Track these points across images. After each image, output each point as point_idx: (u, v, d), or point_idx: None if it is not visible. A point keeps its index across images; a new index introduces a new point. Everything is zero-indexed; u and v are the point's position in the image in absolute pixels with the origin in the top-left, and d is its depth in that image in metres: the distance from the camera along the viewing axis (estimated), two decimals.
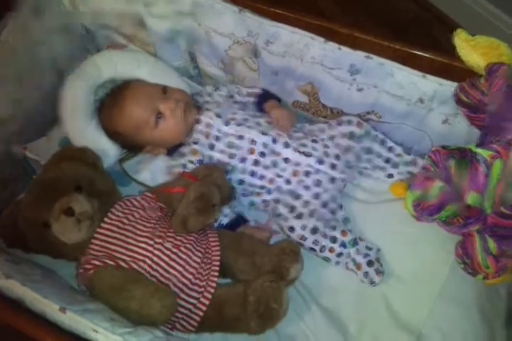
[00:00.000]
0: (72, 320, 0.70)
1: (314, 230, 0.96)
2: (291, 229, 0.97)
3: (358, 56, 0.95)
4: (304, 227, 0.96)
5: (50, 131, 1.16)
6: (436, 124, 1.00)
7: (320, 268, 1.00)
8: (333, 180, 1.03)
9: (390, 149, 1.08)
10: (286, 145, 1.03)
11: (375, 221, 1.04)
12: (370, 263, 0.97)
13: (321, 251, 0.97)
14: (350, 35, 0.96)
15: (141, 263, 0.86)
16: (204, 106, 1.11)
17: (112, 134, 1.07)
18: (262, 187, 1.04)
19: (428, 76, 0.93)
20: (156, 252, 0.87)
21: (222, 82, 1.20)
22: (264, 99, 1.13)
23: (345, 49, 0.96)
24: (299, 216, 0.97)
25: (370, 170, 1.10)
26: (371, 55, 0.95)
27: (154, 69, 1.14)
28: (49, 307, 0.71)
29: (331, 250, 0.97)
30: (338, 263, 0.99)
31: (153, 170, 1.12)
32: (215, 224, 1.02)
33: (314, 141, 1.06)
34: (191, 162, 1.05)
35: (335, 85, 1.03)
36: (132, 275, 0.84)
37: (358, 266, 0.97)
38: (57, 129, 1.14)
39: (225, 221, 1.02)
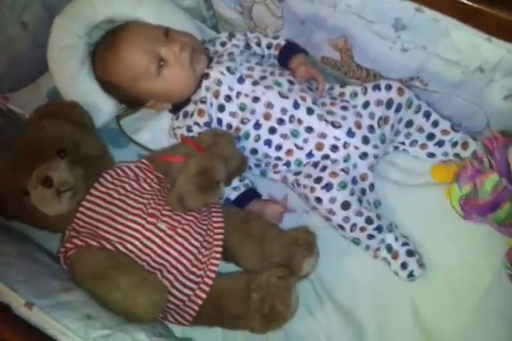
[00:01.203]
0: (38, 318, 0.59)
1: (345, 205, 0.81)
2: (318, 200, 0.81)
3: (406, 8, 0.76)
4: (333, 200, 0.80)
5: (39, 78, 1.01)
6: (495, 99, 0.82)
7: (339, 259, 0.88)
8: (364, 155, 0.87)
9: (435, 124, 0.91)
10: (310, 111, 0.87)
11: (410, 207, 0.90)
12: (410, 253, 0.84)
13: (351, 230, 0.83)
14: None
15: (129, 246, 0.74)
16: (214, 57, 0.94)
17: (107, 85, 0.92)
18: (279, 159, 0.89)
19: (494, 39, 0.74)
20: (147, 233, 0.75)
21: (241, 29, 1.02)
22: (289, 53, 0.95)
23: None
24: (328, 186, 0.81)
25: (408, 145, 0.94)
26: (423, 8, 0.76)
27: (158, 8, 0.96)
28: (15, 300, 0.61)
29: (363, 229, 0.83)
30: (368, 247, 0.85)
31: (155, 130, 0.98)
32: (222, 200, 0.89)
33: (344, 108, 0.89)
34: (197, 124, 0.90)
35: (374, 42, 0.85)
36: (117, 260, 0.72)
37: (395, 255, 0.84)
38: (47, 76, 0.99)
39: (233, 195, 0.89)
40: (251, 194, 0.91)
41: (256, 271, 0.80)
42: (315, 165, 0.86)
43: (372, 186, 0.88)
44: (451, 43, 0.78)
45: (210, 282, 0.76)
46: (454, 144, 0.91)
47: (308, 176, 0.84)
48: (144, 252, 0.75)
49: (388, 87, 0.88)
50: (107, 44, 0.89)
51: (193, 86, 0.90)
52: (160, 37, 0.88)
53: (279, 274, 0.76)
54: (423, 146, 0.93)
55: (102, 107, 0.92)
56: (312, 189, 0.82)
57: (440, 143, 0.92)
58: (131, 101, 0.94)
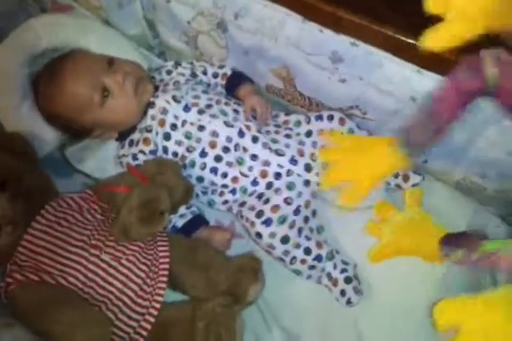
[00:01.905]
0: None
1: (285, 239, 0.83)
2: (258, 235, 0.83)
3: (342, 42, 0.80)
4: (272, 235, 0.83)
5: None
6: None
7: (286, 283, 0.89)
8: (307, 183, 0.90)
9: None
10: (255, 139, 0.89)
11: (353, 231, 0.91)
12: (348, 280, 0.85)
13: (291, 262, 0.85)
14: (334, 15, 0.80)
15: (72, 279, 0.73)
16: (160, 86, 0.95)
17: (51, 116, 0.91)
18: (225, 186, 0.91)
19: (424, 71, 0.79)
20: (90, 266, 0.74)
21: (188, 58, 1.04)
22: (236, 82, 0.98)
23: (327, 32, 0.80)
24: (267, 222, 0.83)
25: None
26: (357, 42, 0.79)
27: (103, 37, 0.97)
28: None
29: (303, 262, 0.85)
30: (309, 277, 0.87)
31: (101, 159, 0.97)
32: (169, 227, 0.89)
33: (288, 136, 0.92)
34: (142, 152, 0.90)
35: (313, 73, 0.88)
36: (58, 294, 0.71)
37: (334, 282, 0.86)
38: None
39: (180, 223, 0.89)
40: (198, 221, 0.91)
41: (202, 299, 0.80)
42: (259, 196, 0.87)
43: (314, 212, 0.90)
44: (385, 75, 0.81)
45: (156, 312, 0.76)
46: (396, 175, 0.94)
47: (252, 208, 0.86)
48: (87, 285, 0.74)
49: (330, 118, 0.92)
50: (49, 75, 0.88)
51: (138, 115, 0.91)
52: (104, 66, 0.88)
53: (224, 302, 0.77)
54: None
55: (45, 137, 0.91)
56: (252, 224, 0.83)
57: None
58: (74, 131, 0.93)
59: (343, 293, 0.85)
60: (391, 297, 0.86)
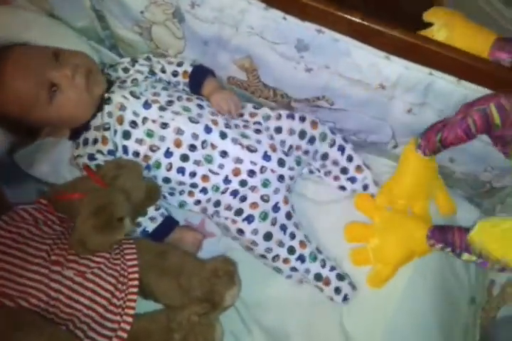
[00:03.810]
0: None
1: (268, 236, 0.80)
2: (240, 231, 0.80)
3: (307, 29, 0.76)
4: (255, 232, 0.79)
5: None
6: (399, 114, 0.84)
7: (264, 281, 0.86)
8: (281, 178, 0.86)
9: (350, 159, 0.92)
10: (223, 135, 0.84)
11: (328, 224, 0.89)
12: (340, 277, 0.83)
13: (273, 260, 0.82)
14: (298, 2, 0.75)
15: (34, 300, 0.67)
16: (116, 82, 0.89)
17: None
18: (194, 186, 0.85)
19: (392, 57, 0.76)
20: (52, 284, 0.68)
21: (141, 50, 0.97)
22: (199, 79, 0.92)
23: (291, 19, 0.76)
24: (249, 218, 0.80)
25: (323, 174, 0.95)
26: (323, 29, 0.75)
27: (49, 31, 0.90)
28: None
29: (286, 261, 0.82)
30: (289, 277, 0.84)
31: (54, 161, 0.88)
32: (138, 231, 0.84)
33: (258, 131, 0.88)
34: (100, 152, 0.84)
35: (278, 63, 0.83)
36: (19, 318, 0.65)
37: (326, 281, 0.83)
38: None
39: (150, 227, 0.84)
40: (169, 223, 0.86)
41: (176, 306, 0.76)
42: (234, 194, 0.83)
43: (293, 207, 0.87)
44: (353, 62, 0.78)
45: (128, 327, 0.71)
46: (365, 187, 0.92)
47: (229, 208, 0.82)
48: (51, 304, 0.68)
49: (302, 119, 0.88)
50: None
51: (91, 109, 0.84)
52: (49, 59, 0.80)
53: (200, 311, 0.73)
54: (336, 178, 0.94)
55: None
56: (234, 221, 0.80)
57: (352, 180, 0.93)
58: (23, 131, 0.86)
59: (337, 290, 0.83)
60: (375, 293, 0.84)
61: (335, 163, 0.92)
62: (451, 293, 0.86)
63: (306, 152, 0.89)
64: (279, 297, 0.85)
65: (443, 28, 0.74)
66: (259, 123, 0.89)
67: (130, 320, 0.71)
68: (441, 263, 0.86)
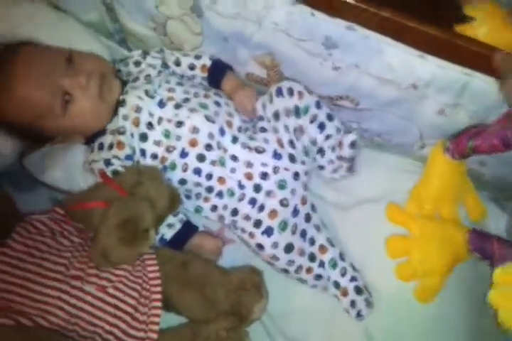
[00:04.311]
0: None
1: (289, 248, 0.76)
2: (260, 246, 0.76)
3: (336, 26, 0.71)
4: (275, 245, 0.75)
5: None
6: (429, 114, 0.80)
7: (287, 290, 0.82)
8: (296, 175, 0.81)
9: (328, 137, 0.83)
10: (235, 139, 0.80)
11: (350, 229, 0.85)
12: (358, 290, 0.79)
13: (296, 272, 0.78)
14: None
15: (53, 318, 0.64)
16: (129, 81, 0.84)
17: (2, 125, 0.78)
18: (210, 189, 0.81)
19: (427, 56, 0.71)
20: (72, 301, 0.65)
21: (154, 45, 0.91)
22: (219, 74, 0.87)
23: (319, 15, 0.71)
24: (268, 231, 0.75)
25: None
26: (354, 26, 0.71)
27: (56, 25, 0.84)
28: None
29: (309, 270, 0.78)
30: (315, 286, 0.81)
31: (67, 166, 0.84)
32: (156, 239, 0.79)
33: (263, 129, 0.83)
34: (116, 157, 0.80)
35: (303, 59, 0.79)
36: (38, 338, 0.61)
37: (343, 291, 0.79)
38: None
39: (168, 235, 0.80)
40: (188, 230, 0.82)
41: (200, 320, 0.73)
42: (252, 202, 0.78)
43: (313, 207, 0.83)
44: (384, 61, 0.74)
45: None
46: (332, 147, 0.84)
47: (247, 218, 0.77)
48: (72, 322, 0.65)
49: (290, 92, 0.79)
50: None
51: (107, 118, 0.80)
52: (62, 64, 0.75)
53: (228, 325, 0.70)
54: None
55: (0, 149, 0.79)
56: (251, 234, 0.76)
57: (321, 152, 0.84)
58: (33, 139, 0.81)
59: (353, 304, 0.79)
60: (402, 305, 0.81)
61: (313, 141, 0.83)
62: (481, 299, 0.83)
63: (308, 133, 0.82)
64: (302, 307, 0.82)
65: (484, 24, 0.69)
66: (261, 117, 0.84)
67: (155, 336, 0.68)
68: (472, 268, 0.82)
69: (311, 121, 0.81)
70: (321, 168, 0.87)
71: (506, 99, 0.70)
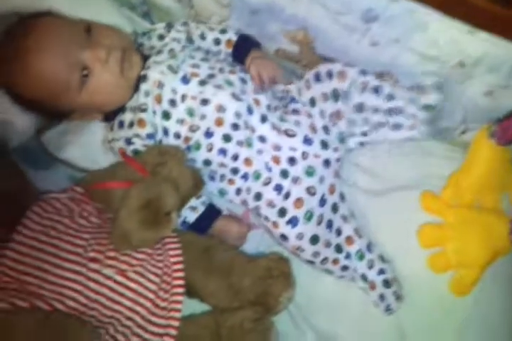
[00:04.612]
0: None
1: (314, 239, 0.71)
2: (284, 237, 0.71)
3: None
4: (300, 236, 0.71)
5: None
6: (475, 96, 0.74)
7: (314, 280, 0.77)
8: (327, 163, 0.76)
9: (391, 97, 0.75)
10: (264, 119, 0.75)
11: (382, 217, 0.79)
12: (387, 284, 0.75)
13: (322, 263, 0.74)
14: None
15: (70, 302, 0.60)
16: (152, 55, 0.79)
17: (18, 98, 0.74)
18: (235, 171, 0.77)
19: (477, 32, 0.66)
20: (91, 285, 0.61)
21: (179, 18, 0.86)
22: (244, 50, 0.81)
23: None
24: (293, 221, 0.71)
25: (370, 133, 0.80)
26: None
27: None
28: None
29: (335, 262, 0.74)
30: (342, 277, 0.77)
31: (86, 144, 0.81)
32: (179, 222, 0.75)
33: (295, 111, 0.78)
34: (138, 136, 0.75)
35: (339, 35, 0.74)
36: (54, 323, 0.58)
37: (372, 285, 0.75)
38: None
39: (191, 217, 0.76)
40: (211, 213, 0.78)
41: (225, 309, 0.69)
42: (278, 189, 0.74)
43: (342, 196, 0.78)
44: (429, 37, 0.68)
45: (174, 332, 0.64)
46: (412, 101, 0.75)
47: (271, 205, 0.73)
48: (90, 307, 0.61)
49: (329, 75, 0.74)
50: (11, 47, 0.70)
51: (128, 95, 0.76)
52: (81, 36, 0.71)
53: (254, 316, 0.66)
54: (383, 125, 0.78)
55: (16, 123, 0.75)
56: (275, 224, 0.71)
57: (399, 111, 0.76)
58: (50, 114, 0.77)
59: (382, 298, 0.74)
60: (437, 298, 0.75)
61: (374, 109, 0.76)
62: None
63: (349, 121, 0.77)
64: (330, 297, 0.78)
65: None
66: (295, 100, 0.79)
67: (176, 324, 0.64)
68: (510, 263, 0.78)
69: (363, 89, 0.74)
70: (397, 126, 0.77)
71: None
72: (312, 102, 0.78)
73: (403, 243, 0.78)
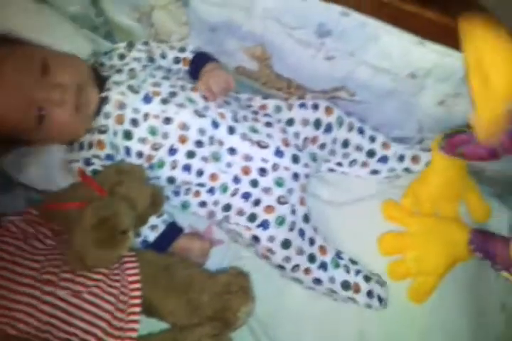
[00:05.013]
0: None
1: (286, 243, 0.71)
2: (255, 239, 0.72)
3: (330, 12, 0.66)
4: (271, 239, 0.71)
5: None
6: (428, 106, 0.75)
7: (278, 293, 0.78)
8: (296, 176, 0.77)
9: (372, 139, 0.83)
10: (231, 130, 0.75)
11: (351, 227, 0.80)
12: (367, 278, 0.76)
13: (292, 270, 0.73)
14: None
15: (22, 326, 0.59)
16: (112, 75, 0.79)
17: None
18: (201, 185, 0.76)
19: (427, 43, 0.67)
20: (44, 307, 0.60)
21: (140, 38, 0.87)
22: (199, 65, 0.82)
23: (312, 0, 0.66)
24: (264, 224, 0.72)
25: (348, 166, 0.85)
26: (349, 11, 0.66)
27: (35, 17, 0.79)
28: None
29: (307, 271, 0.73)
30: (311, 288, 0.76)
31: (45, 165, 0.80)
32: (138, 241, 0.75)
33: (269, 124, 0.78)
34: (97, 157, 0.75)
35: (294, 51, 0.75)
36: None
37: (356, 287, 0.74)
38: None
39: (151, 237, 0.75)
40: (172, 232, 0.77)
41: (184, 326, 0.68)
42: (245, 196, 0.74)
43: (308, 210, 0.78)
44: (381, 49, 0.69)
45: None
46: (401, 158, 0.83)
47: (240, 213, 0.73)
48: (43, 330, 0.60)
49: (315, 107, 0.79)
50: None
51: (86, 127, 0.75)
52: (37, 74, 0.69)
53: (212, 332, 0.64)
54: (364, 164, 0.84)
55: None
56: (247, 228, 0.72)
57: (383, 159, 0.83)
58: (8, 143, 0.76)
59: (370, 294, 0.75)
60: (398, 305, 0.76)
61: (358, 148, 0.82)
62: (481, 299, 0.78)
63: (323, 145, 0.81)
64: (294, 309, 0.77)
65: None
66: (269, 115, 0.80)
67: None
68: (472, 268, 0.78)
69: (349, 130, 0.81)
70: (375, 172, 0.85)
71: None
72: (290, 122, 0.80)
73: (366, 251, 0.79)
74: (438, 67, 0.68)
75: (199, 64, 0.81)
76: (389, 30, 0.67)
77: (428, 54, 0.67)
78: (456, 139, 0.74)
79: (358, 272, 0.76)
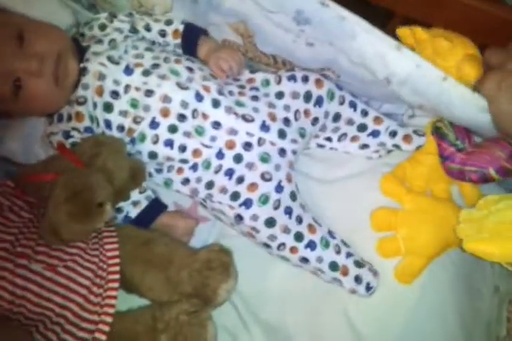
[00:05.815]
0: None
1: (270, 222, 0.71)
2: (239, 217, 0.71)
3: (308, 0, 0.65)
4: (255, 218, 0.71)
5: None
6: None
7: (262, 270, 0.77)
8: (283, 152, 0.76)
9: (365, 113, 0.81)
10: (216, 103, 0.74)
11: (336, 204, 0.80)
12: (358, 264, 0.74)
13: (278, 248, 0.73)
14: None
15: None
16: (91, 45, 0.77)
17: None
18: (184, 161, 0.76)
19: (405, 49, 0.65)
20: (17, 281, 0.60)
21: (123, 9, 0.85)
22: (192, 40, 0.81)
23: None
24: (247, 203, 0.71)
25: (337, 141, 0.84)
26: (327, 1, 0.65)
27: None
28: None
29: (293, 250, 0.73)
30: (299, 267, 0.76)
31: (26, 138, 0.80)
32: (120, 217, 0.75)
33: (255, 97, 0.77)
34: (76, 129, 0.74)
35: (275, 33, 0.73)
36: None
37: (344, 270, 0.73)
38: None
39: (134, 212, 0.75)
40: (155, 208, 0.77)
41: (163, 302, 0.68)
42: (229, 173, 0.73)
43: (297, 187, 0.77)
44: (357, 47, 0.68)
45: (107, 328, 0.63)
46: (393, 134, 0.81)
47: (223, 191, 0.72)
48: (17, 304, 0.60)
49: (305, 79, 0.77)
50: None
51: (65, 99, 0.74)
52: (12, 44, 0.68)
53: (190, 308, 0.65)
54: (354, 139, 0.83)
55: None
56: (230, 207, 0.71)
57: (375, 134, 0.82)
58: None
59: (358, 279, 0.73)
60: (387, 284, 0.75)
61: (349, 121, 0.81)
62: (473, 282, 0.78)
63: (316, 120, 0.79)
64: (280, 288, 0.77)
65: None
66: (256, 89, 0.79)
67: (109, 319, 0.63)
68: (460, 252, 0.76)
69: (341, 103, 0.79)
70: (365, 146, 0.83)
71: (494, 123, 0.66)
72: (279, 95, 0.78)
73: (356, 229, 0.78)
74: (412, 78, 0.67)
75: (192, 37, 0.81)
76: (366, 29, 0.65)
77: (404, 61, 0.66)
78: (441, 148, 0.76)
79: (349, 255, 0.74)
